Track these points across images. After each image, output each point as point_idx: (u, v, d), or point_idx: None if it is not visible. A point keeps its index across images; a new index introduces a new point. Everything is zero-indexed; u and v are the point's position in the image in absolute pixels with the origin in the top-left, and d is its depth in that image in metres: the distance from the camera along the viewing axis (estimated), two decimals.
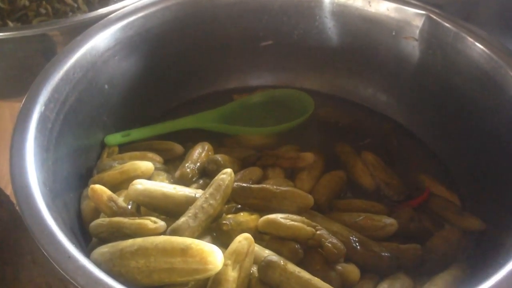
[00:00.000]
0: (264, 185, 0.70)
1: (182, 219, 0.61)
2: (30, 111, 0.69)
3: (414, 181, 0.85)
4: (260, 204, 0.70)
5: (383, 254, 0.68)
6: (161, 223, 0.64)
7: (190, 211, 0.62)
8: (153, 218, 0.64)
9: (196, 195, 0.67)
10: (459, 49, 0.83)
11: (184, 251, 0.55)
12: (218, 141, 0.90)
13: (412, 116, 0.94)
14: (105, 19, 0.86)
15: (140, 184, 0.68)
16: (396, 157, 0.90)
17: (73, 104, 0.77)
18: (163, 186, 0.68)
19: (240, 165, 0.83)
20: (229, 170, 0.67)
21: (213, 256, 0.55)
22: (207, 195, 0.64)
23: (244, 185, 0.70)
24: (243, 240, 0.59)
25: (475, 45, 0.82)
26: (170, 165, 0.84)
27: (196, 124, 0.90)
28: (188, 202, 0.66)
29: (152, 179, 0.76)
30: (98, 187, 0.69)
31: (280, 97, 0.99)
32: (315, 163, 0.84)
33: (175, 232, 0.60)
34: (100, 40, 0.83)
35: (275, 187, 0.70)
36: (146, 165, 0.76)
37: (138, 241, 0.58)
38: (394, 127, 0.95)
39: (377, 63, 0.95)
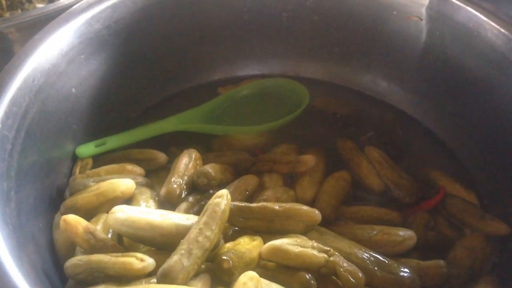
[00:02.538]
0: (265, 204, 0.61)
1: (175, 258, 0.52)
2: None
3: (426, 178, 0.77)
4: (262, 225, 0.61)
5: (405, 275, 0.59)
6: (149, 261, 0.54)
7: (183, 247, 0.53)
8: (139, 255, 0.55)
9: (188, 223, 0.57)
10: (472, 29, 0.74)
11: None
12: (205, 143, 0.80)
13: (418, 103, 0.85)
14: (67, 12, 0.74)
15: (121, 212, 0.58)
16: (403, 150, 0.82)
17: (35, 116, 0.66)
18: (148, 213, 0.58)
19: (232, 173, 0.74)
20: (224, 191, 0.58)
21: None
22: (201, 225, 0.54)
23: (242, 205, 0.61)
24: (248, 281, 0.50)
25: (490, 24, 0.73)
26: (153, 176, 0.74)
27: (179, 126, 0.80)
28: (179, 232, 0.56)
29: (134, 199, 0.67)
30: (71, 218, 0.59)
31: (271, 88, 0.89)
32: (315, 165, 0.75)
33: (167, 276, 0.50)
34: (63, 37, 0.71)
35: (277, 205, 0.61)
36: (126, 184, 0.66)
37: None
38: (398, 116, 0.86)
39: (377, 46, 0.85)
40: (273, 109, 0.87)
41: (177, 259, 0.51)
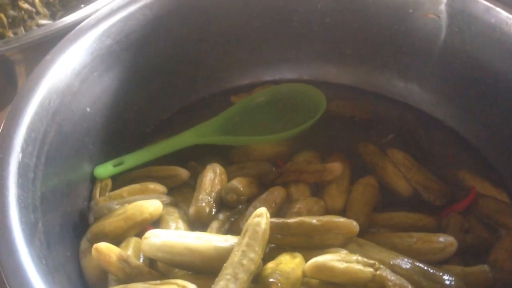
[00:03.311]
0: (302, 219, 0.59)
1: (221, 284, 0.49)
2: (4, 164, 0.55)
3: (454, 179, 0.75)
4: (300, 241, 0.59)
5: (451, 284, 0.58)
6: None
7: (228, 271, 0.50)
8: (181, 282, 0.52)
9: (227, 244, 0.55)
10: (493, 25, 0.73)
11: None
12: (225, 155, 0.78)
13: (438, 102, 0.84)
14: (77, 29, 0.71)
15: (156, 237, 0.56)
16: (426, 151, 0.80)
17: (53, 140, 0.64)
18: (184, 237, 0.56)
19: (257, 185, 0.72)
20: (263, 210, 0.56)
21: None
22: (244, 247, 0.52)
23: (279, 221, 0.58)
24: None
25: None
26: (177, 193, 0.71)
27: (196, 140, 0.78)
28: (219, 255, 0.54)
29: (163, 220, 0.64)
30: (103, 246, 0.56)
31: (285, 93, 0.87)
32: (341, 172, 0.73)
33: None
34: (74, 56, 0.69)
35: (315, 219, 0.59)
36: (154, 205, 0.63)
37: None
38: (418, 116, 0.84)
39: (393, 46, 0.83)
40: (289, 115, 0.85)
41: (224, 285, 0.49)
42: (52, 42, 0.70)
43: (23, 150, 0.57)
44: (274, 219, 0.58)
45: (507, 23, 0.71)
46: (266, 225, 0.54)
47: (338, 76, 0.88)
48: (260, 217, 0.55)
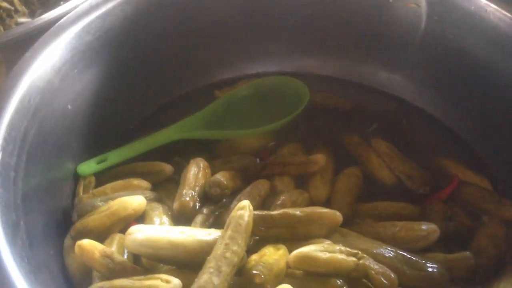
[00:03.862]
0: (286, 211, 0.59)
1: (204, 278, 0.49)
2: None
3: (437, 167, 0.76)
4: (284, 232, 0.59)
5: (434, 271, 0.58)
6: (175, 282, 0.52)
7: (211, 264, 0.50)
8: (165, 276, 0.52)
9: (210, 238, 0.55)
10: (473, 12, 0.73)
11: None
12: (209, 149, 0.78)
13: (421, 91, 0.84)
14: (56, 25, 0.71)
15: (139, 232, 0.56)
16: (409, 140, 0.80)
17: (34, 138, 0.63)
18: (168, 231, 0.56)
19: (241, 179, 0.72)
20: (246, 203, 0.56)
21: None
22: (227, 240, 0.52)
23: (263, 213, 0.59)
24: None
25: (491, 6, 0.72)
26: (161, 189, 0.71)
27: (180, 134, 0.77)
28: (203, 248, 0.54)
29: (147, 216, 0.64)
30: (86, 243, 0.56)
31: (269, 86, 0.87)
32: (325, 163, 0.73)
33: None
34: (54, 53, 0.68)
35: (298, 211, 0.59)
36: (137, 201, 0.63)
37: None
38: (401, 106, 0.85)
39: (374, 36, 0.84)
40: (273, 108, 0.85)
41: (207, 278, 0.49)
42: (32, 40, 0.70)
43: (3, 149, 0.57)
44: (257, 212, 0.58)
45: (486, 10, 0.72)
46: (249, 218, 0.55)
47: (321, 67, 0.89)
48: (243, 210, 0.55)
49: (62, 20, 0.71)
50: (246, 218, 0.54)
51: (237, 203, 0.59)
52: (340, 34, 0.85)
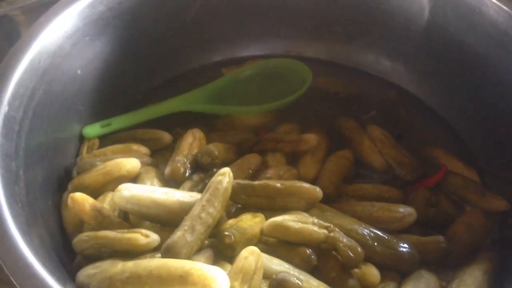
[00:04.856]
0: (267, 182, 0.62)
1: (178, 234, 0.53)
2: None
3: (428, 156, 0.78)
4: (264, 202, 0.62)
5: (404, 250, 0.61)
6: (153, 237, 0.56)
7: (186, 223, 0.54)
8: (144, 231, 0.56)
9: (191, 200, 0.59)
10: (474, 7, 0.74)
11: (183, 279, 0.47)
12: (209, 123, 0.81)
13: (421, 81, 0.86)
14: None
15: (127, 190, 0.60)
16: (405, 129, 0.82)
17: (42, 97, 0.67)
18: (153, 191, 0.60)
19: (235, 152, 0.75)
20: (227, 169, 0.59)
21: (217, 283, 0.47)
22: (204, 202, 0.56)
23: (245, 182, 0.62)
24: (249, 255, 0.52)
25: (492, 1, 0.72)
26: (159, 156, 0.75)
27: (183, 106, 0.81)
28: (183, 209, 0.58)
29: (139, 178, 0.68)
30: (78, 195, 0.60)
31: (274, 68, 0.89)
32: (318, 144, 0.76)
33: (171, 251, 0.52)
34: (67, 20, 0.72)
35: (279, 183, 0.62)
36: (131, 163, 0.67)
37: (129, 266, 0.50)
38: (401, 95, 0.86)
39: (379, 24, 0.85)
40: (276, 89, 0.87)
41: (181, 235, 0.53)
42: (53, 3, 0.73)
43: (10, 104, 0.61)
44: (239, 180, 0.62)
45: (487, 4, 0.73)
46: (228, 184, 0.58)
47: (326, 53, 0.91)
48: (223, 176, 0.58)
49: None
50: (224, 184, 0.57)
51: None
52: (346, 21, 0.87)
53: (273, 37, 0.91)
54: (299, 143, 0.75)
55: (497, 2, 0.72)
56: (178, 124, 0.80)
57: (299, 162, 0.74)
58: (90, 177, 0.66)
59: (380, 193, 0.71)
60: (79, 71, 0.75)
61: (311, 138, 0.75)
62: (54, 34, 0.70)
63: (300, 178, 0.72)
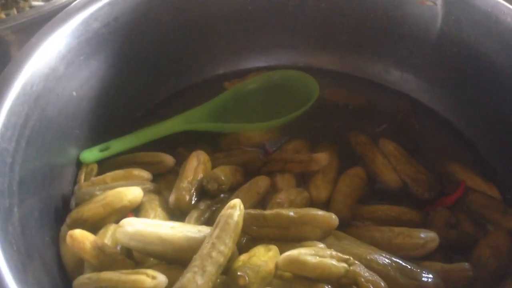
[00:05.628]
0: (279, 211, 0.58)
1: (188, 276, 0.49)
2: None
3: (444, 171, 0.74)
4: (277, 233, 0.58)
5: (428, 281, 0.57)
6: (160, 278, 0.52)
7: (196, 263, 0.50)
8: (151, 272, 0.52)
9: (200, 235, 0.54)
10: (490, 14, 0.70)
11: None
12: (213, 141, 0.77)
13: (434, 92, 0.82)
14: (63, 11, 0.70)
15: (130, 226, 0.56)
16: (419, 142, 0.78)
17: (36, 124, 0.63)
18: (158, 226, 0.56)
19: (242, 174, 0.71)
20: (237, 202, 0.55)
21: None
22: (214, 240, 0.52)
23: (255, 212, 0.58)
24: None
25: (510, 8, 0.69)
26: (161, 180, 0.71)
27: (185, 126, 0.77)
28: (191, 246, 0.54)
29: (142, 208, 0.64)
30: (78, 233, 0.56)
31: (279, 80, 0.85)
32: (329, 162, 0.72)
33: None
34: (60, 39, 0.68)
35: (292, 212, 0.58)
36: (133, 193, 0.63)
37: None
38: (413, 106, 0.82)
39: (389, 33, 0.81)
40: (282, 102, 0.83)
41: (190, 277, 0.49)
42: (45, 23, 0.69)
43: (2, 135, 0.57)
44: (250, 210, 0.58)
45: (504, 11, 0.69)
46: (239, 217, 0.54)
47: (333, 63, 0.87)
48: (233, 209, 0.54)
49: (70, 6, 0.71)
50: (235, 218, 0.53)
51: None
52: (354, 30, 0.83)
53: (277, 47, 0.87)
54: (309, 163, 0.71)
55: None
56: (180, 143, 0.76)
57: (310, 183, 0.70)
58: (89, 210, 0.62)
59: (398, 215, 0.67)
60: (74, 93, 0.71)
61: (322, 158, 0.71)
62: (46, 56, 0.66)
63: (312, 201, 0.68)
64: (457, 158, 0.76)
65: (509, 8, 0.69)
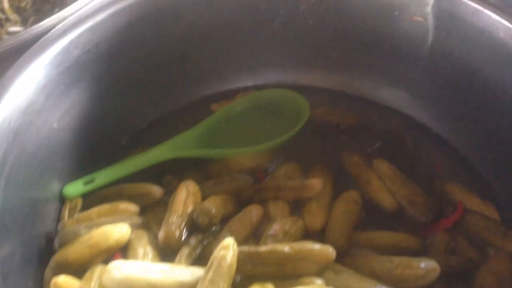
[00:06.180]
0: (274, 247, 0.56)
1: None
2: None
3: (441, 192, 0.72)
4: (272, 271, 0.56)
5: None
6: None
7: None
8: None
9: (192, 279, 0.52)
10: (482, 29, 0.68)
11: None
12: (202, 167, 0.75)
13: (427, 108, 0.80)
14: (41, 40, 0.67)
15: (117, 270, 0.53)
16: (414, 160, 0.76)
17: (14, 162, 0.60)
18: (147, 270, 0.53)
19: (234, 203, 0.68)
20: (230, 242, 0.52)
21: None
22: (207, 284, 0.49)
23: (249, 250, 0.55)
24: None
25: (502, 23, 0.67)
26: (149, 213, 0.68)
27: (172, 153, 0.74)
28: None
29: (131, 246, 0.62)
30: (62, 281, 0.54)
31: (267, 100, 0.83)
32: (323, 187, 0.70)
33: None
34: (38, 70, 0.65)
35: (287, 247, 0.56)
36: (120, 232, 0.60)
37: None
38: (406, 123, 0.80)
39: (379, 49, 0.79)
40: (271, 123, 0.81)
41: None
42: (24, 50, 0.67)
43: None
44: (244, 248, 0.55)
45: (496, 27, 0.67)
46: (232, 259, 0.51)
47: (322, 80, 0.85)
48: (226, 250, 0.52)
49: (47, 35, 0.68)
50: (229, 260, 0.51)
51: (227, 233, 0.56)
52: (343, 46, 0.81)
53: (264, 66, 0.85)
54: (302, 190, 0.68)
55: (508, 24, 0.66)
56: (167, 170, 0.74)
57: (304, 211, 0.68)
58: (74, 252, 0.59)
59: (397, 242, 0.64)
60: (55, 125, 0.68)
61: (316, 184, 0.68)
62: (24, 89, 0.63)
63: (307, 229, 0.66)
64: (452, 175, 0.74)
65: (502, 23, 0.67)
